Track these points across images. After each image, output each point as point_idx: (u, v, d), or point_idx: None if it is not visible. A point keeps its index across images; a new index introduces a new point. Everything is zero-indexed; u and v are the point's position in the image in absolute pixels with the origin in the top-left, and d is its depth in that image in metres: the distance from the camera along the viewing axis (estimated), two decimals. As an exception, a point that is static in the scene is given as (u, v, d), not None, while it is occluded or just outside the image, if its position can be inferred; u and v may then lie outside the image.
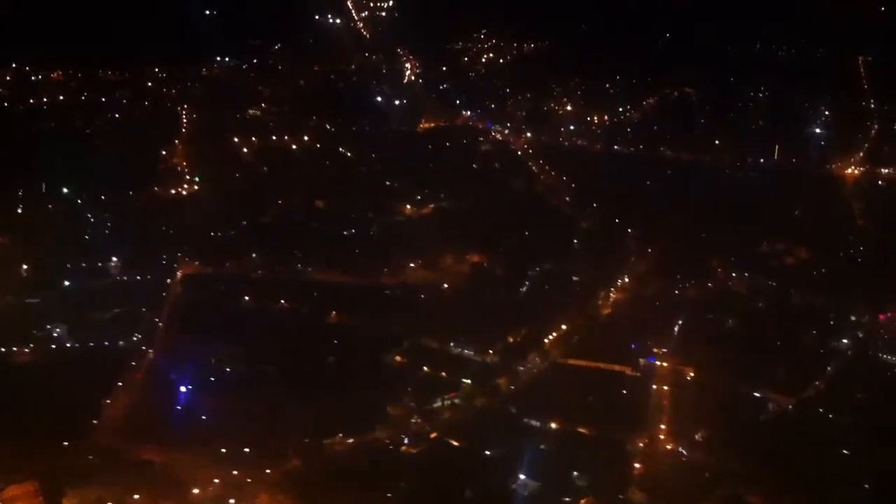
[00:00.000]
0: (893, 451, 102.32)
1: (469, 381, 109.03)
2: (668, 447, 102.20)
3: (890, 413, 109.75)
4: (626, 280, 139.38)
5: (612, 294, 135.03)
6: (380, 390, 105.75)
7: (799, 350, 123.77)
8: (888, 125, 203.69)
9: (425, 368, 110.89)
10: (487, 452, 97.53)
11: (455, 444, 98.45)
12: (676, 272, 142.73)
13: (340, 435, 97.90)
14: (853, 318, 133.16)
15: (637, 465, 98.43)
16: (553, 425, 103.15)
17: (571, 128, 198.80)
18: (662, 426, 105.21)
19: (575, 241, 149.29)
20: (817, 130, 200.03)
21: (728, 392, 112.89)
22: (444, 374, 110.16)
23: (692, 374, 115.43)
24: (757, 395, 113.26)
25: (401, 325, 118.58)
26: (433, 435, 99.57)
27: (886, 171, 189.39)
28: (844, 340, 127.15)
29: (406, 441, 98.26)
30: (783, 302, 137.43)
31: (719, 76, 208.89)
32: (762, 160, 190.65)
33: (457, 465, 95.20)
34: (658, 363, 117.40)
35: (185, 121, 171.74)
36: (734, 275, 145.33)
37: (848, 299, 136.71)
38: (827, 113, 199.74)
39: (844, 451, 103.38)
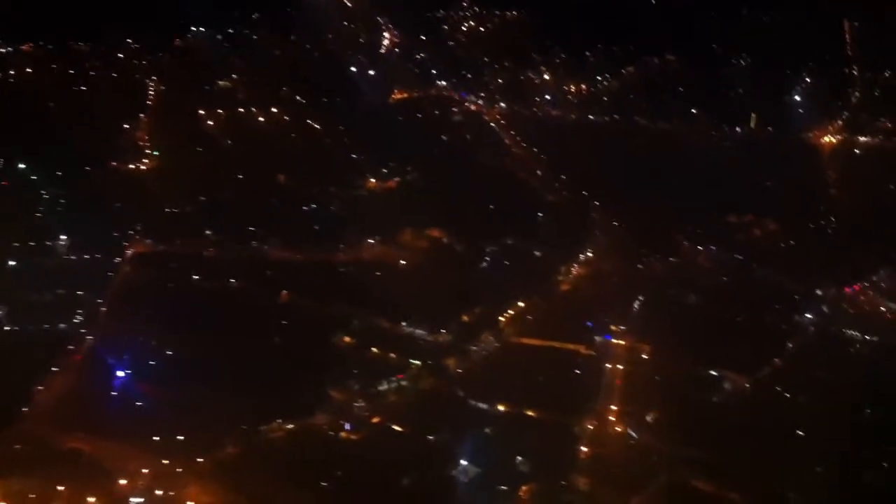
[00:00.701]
0: (850, 433, 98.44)
1: (418, 363, 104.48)
2: (618, 429, 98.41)
3: (849, 392, 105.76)
4: (589, 255, 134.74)
5: (573, 270, 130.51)
6: (324, 373, 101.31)
7: (760, 326, 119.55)
8: (870, 93, 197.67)
9: (374, 349, 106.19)
10: (430, 438, 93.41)
11: (398, 429, 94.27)
12: (641, 246, 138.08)
13: (279, 420, 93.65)
14: (819, 293, 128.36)
15: (584, 449, 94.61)
16: (501, 408, 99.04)
17: (547, 98, 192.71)
18: (613, 407, 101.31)
19: (540, 214, 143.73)
20: (797, 98, 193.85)
21: (684, 371, 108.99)
22: (392, 355, 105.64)
23: (648, 353, 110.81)
24: (713, 374, 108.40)
25: (352, 303, 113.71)
26: (376, 420, 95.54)
27: (864, 139, 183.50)
28: (808, 316, 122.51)
29: (347, 427, 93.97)
30: (747, 276, 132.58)
31: (703, 43, 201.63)
32: (738, 129, 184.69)
33: (397, 451, 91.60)
34: (614, 341, 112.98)
35: (152, 93, 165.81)
36: (700, 248, 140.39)
37: (814, 272, 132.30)
38: (808, 80, 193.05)
39: (799, 433, 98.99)
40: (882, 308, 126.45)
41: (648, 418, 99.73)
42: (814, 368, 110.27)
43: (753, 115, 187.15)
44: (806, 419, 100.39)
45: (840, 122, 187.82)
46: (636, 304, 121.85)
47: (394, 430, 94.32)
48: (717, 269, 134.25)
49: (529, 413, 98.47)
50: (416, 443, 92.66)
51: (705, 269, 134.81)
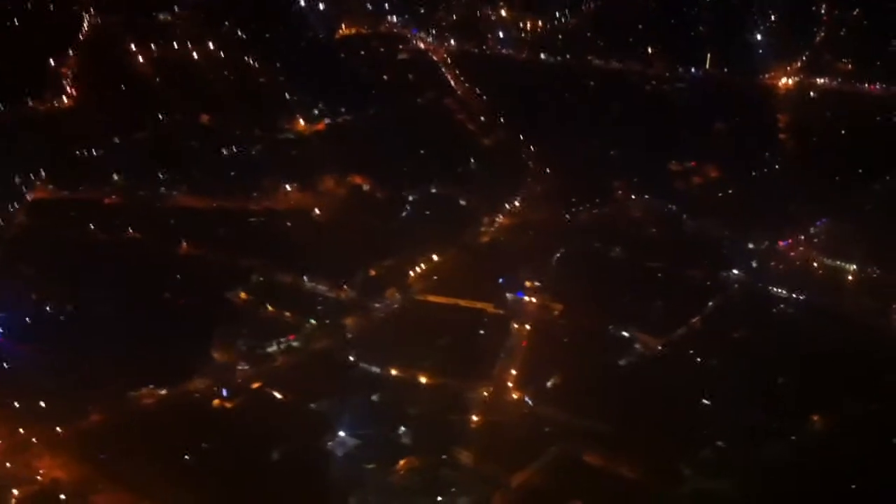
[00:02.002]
0: (759, 403, 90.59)
1: (313, 322, 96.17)
2: (514, 397, 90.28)
3: (765, 357, 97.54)
4: (517, 205, 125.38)
5: (497, 220, 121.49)
6: (211, 332, 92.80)
7: (682, 283, 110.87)
8: (836, 32, 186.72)
9: (270, 307, 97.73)
10: (311, 406, 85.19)
11: (277, 396, 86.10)
12: (573, 195, 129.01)
13: (151, 386, 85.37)
14: (750, 246, 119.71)
15: (474, 419, 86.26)
16: (393, 372, 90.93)
17: (501, 35, 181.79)
18: (513, 372, 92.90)
19: (472, 160, 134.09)
20: (759, 37, 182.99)
21: (594, 331, 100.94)
22: (288, 313, 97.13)
23: (560, 311, 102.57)
24: (625, 335, 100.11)
25: (256, 256, 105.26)
26: (255, 385, 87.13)
27: (822, 81, 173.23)
28: (735, 271, 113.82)
29: (224, 393, 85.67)
30: (677, 228, 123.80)
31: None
32: (693, 69, 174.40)
33: (272, 421, 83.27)
34: (526, 299, 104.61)
35: (86, 27, 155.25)
36: (633, 197, 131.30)
37: (749, 224, 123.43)
38: (773, 17, 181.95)
39: (705, 402, 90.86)
40: (815, 264, 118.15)
41: (549, 384, 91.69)
42: (731, 329, 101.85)
43: (709, 54, 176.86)
44: (714, 387, 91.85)
45: (799, 64, 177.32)
46: (556, 258, 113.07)
47: (273, 397, 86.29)
48: (647, 219, 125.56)
49: (422, 379, 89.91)
50: (295, 412, 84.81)
51: (635, 219, 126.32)
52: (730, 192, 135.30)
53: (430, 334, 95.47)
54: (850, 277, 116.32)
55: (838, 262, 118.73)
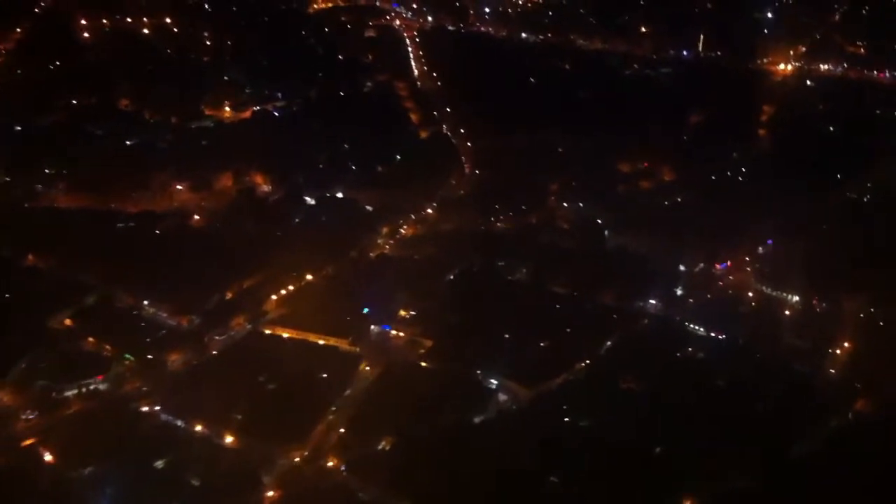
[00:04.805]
0: (619, 485, 69.35)
1: (131, 358, 77.65)
2: (330, 464, 70.33)
3: (648, 417, 75.62)
4: (430, 211, 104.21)
5: (400, 231, 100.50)
6: (10, 369, 74.75)
7: (584, 314, 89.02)
8: (858, 9, 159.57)
9: (90, 339, 79.39)
10: (83, 472, 66.86)
11: (47, 458, 67.98)
12: (498, 201, 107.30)
13: None
14: (681, 268, 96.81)
15: (269, 494, 66.91)
16: (198, 428, 71.95)
17: (486, 10, 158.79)
18: (341, 430, 72.93)
19: (398, 157, 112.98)
20: (769, 15, 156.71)
21: (458, 377, 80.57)
22: (108, 346, 78.68)
23: (426, 350, 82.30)
24: (492, 383, 79.28)
25: (103, 272, 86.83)
26: (27, 442, 69.05)
27: (825, 67, 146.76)
28: (652, 301, 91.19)
29: (-9, 450, 67.83)
30: (598, 244, 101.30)
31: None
32: (685, 52, 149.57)
33: (25, 492, 64.99)
34: (393, 333, 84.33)
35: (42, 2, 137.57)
36: (566, 204, 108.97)
37: (687, 240, 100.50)
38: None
39: (554, 480, 69.84)
40: (750, 293, 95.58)
41: (379, 447, 71.41)
42: (621, 379, 79.43)
43: (702, 35, 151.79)
44: (574, 457, 70.51)
45: (804, 48, 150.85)
46: (448, 279, 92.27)
47: (41, 458, 67.79)
48: (570, 233, 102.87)
49: (228, 438, 70.85)
50: (57, 480, 66.43)
51: (558, 231, 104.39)
52: (678, 199, 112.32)
53: (259, 378, 75.69)
54: (787, 312, 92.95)
55: (778, 292, 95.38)
